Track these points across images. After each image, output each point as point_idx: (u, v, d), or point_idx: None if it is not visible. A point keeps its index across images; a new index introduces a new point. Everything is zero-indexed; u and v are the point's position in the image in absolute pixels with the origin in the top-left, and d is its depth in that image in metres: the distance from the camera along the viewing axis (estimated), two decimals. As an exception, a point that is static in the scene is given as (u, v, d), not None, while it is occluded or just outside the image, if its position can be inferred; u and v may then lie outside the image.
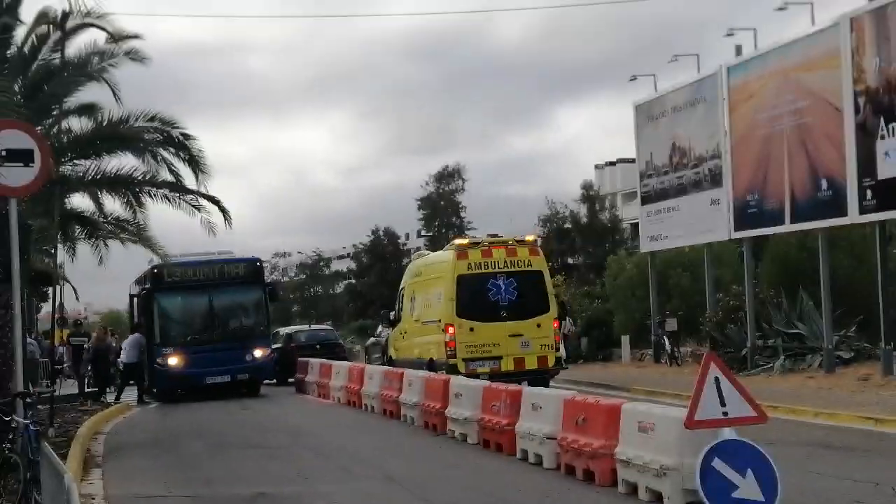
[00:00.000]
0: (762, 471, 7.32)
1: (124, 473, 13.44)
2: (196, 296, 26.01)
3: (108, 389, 27.30)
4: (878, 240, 20.93)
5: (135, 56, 18.20)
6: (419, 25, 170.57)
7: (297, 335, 33.02)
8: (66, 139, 18.03)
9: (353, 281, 79.84)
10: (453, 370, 19.82)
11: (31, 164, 12.05)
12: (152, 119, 18.67)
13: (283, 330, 34.25)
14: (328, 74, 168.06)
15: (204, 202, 20.24)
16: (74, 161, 18.18)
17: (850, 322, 23.46)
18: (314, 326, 38.50)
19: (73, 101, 18.37)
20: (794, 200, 22.46)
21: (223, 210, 20.81)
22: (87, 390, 26.34)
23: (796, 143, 22.28)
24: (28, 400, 11.14)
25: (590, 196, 59.12)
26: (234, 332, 26.44)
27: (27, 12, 17.69)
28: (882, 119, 19.61)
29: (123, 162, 18.79)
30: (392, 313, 25.69)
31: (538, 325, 20.86)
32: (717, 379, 7.49)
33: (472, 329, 20.57)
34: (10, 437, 10.52)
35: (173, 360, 25.31)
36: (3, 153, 11.76)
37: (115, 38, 17.77)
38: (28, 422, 10.41)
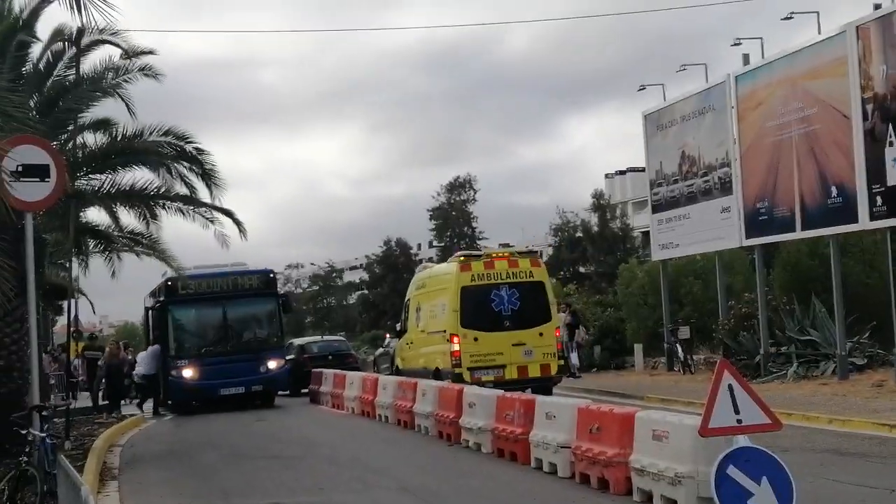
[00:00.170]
0: (777, 478, 7.33)
1: (140, 485, 13.52)
2: (210, 308, 26.13)
3: (122, 402, 27.42)
4: (889, 246, 20.90)
5: (148, 72, 18.32)
6: (430, 38, 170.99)
7: (310, 346, 33.10)
8: (82, 154, 18.15)
9: (366, 291, 79.93)
10: (458, 379, 20.23)
11: (46, 179, 12.19)
12: (166, 133, 18.78)
13: (296, 341, 34.33)
14: (340, 87, 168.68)
15: (218, 215, 20.34)
16: (89, 175, 18.30)
17: (863, 328, 23.41)
18: (326, 337, 38.61)
19: (87, 116, 18.48)
20: (804, 207, 22.46)
21: (237, 222, 20.89)
22: (100, 404, 26.46)
23: (805, 150, 22.29)
24: (44, 413, 11.25)
25: (600, 205, 59.12)
26: (248, 343, 26.55)
27: (43, 29, 17.86)
28: (890, 126, 19.60)
29: (138, 175, 18.91)
30: (398, 324, 26.09)
31: (540, 334, 21.36)
32: (730, 386, 7.51)
33: (476, 339, 21.08)
34: (27, 450, 10.60)
35: (188, 372, 25.42)
36: (20, 168, 11.89)
37: (129, 54, 17.89)
38: (44, 435, 10.51)
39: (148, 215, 19.51)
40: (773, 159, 23.48)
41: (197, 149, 19.35)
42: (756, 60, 24.36)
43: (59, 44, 17.96)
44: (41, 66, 17.94)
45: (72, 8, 12.41)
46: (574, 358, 29.85)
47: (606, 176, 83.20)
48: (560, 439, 12.08)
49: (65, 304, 27.32)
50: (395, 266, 71.32)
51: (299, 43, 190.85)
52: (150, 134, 18.69)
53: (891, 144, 19.60)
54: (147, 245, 20.45)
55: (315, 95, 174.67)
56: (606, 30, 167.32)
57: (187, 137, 19.17)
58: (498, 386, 18.51)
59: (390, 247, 75.55)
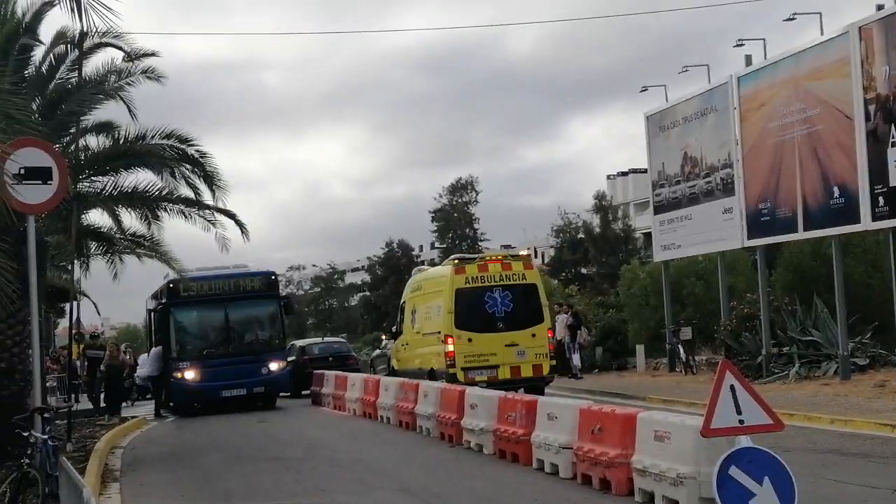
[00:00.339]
0: (779, 478, 7.32)
1: (142, 487, 13.52)
2: (212, 310, 26.15)
3: (124, 405, 27.40)
4: (891, 246, 20.89)
5: (151, 74, 18.35)
6: (432, 40, 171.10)
7: (311, 348, 33.23)
8: (84, 156, 18.17)
9: (368, 293, 79.97)
10: (453, 379, 20.77)
11: (49, 182, 12.18)
12: (168, 136, 18.81)
13: (297, 343, 34.43)
14: (342, 89, 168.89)
15: (220, 217, 20.36)
16: (92, 178, 18.32)
17: (865, 328, 23.40)
18: (327, 339, 38.68)
19: (90, 118, 18.53)
20: (806, 208, 22.46)
21: (239, 224, 20.91)
22: (101, 406, 26.43)
23: (807, 151, 22.29)
24: (46, 415, 11.25)
25: (602, 206, 59.13)
26: (249, 345, 26.56)
27: (45, 32, 17.90)
28: (893, 126, 19.60)
29: (140, 178, 18.94)
30: (394, 326, 26.62)
31: (533, 335, 21.89)
32: (732, 387, 7.50)
33: (470, 340, 21.64)
34: (29, 452, 10.60)
35: (190, 374, 25.43)
36: (22, 171, 11.88)
37: (132, 56, 17.92)
38: (46, 437, 10.51)
39: (150, 217, 19.53)
40: (775, 160, 23.48)
41: (199, 151, 19.39)
42: (759, 61, 24.36)
43: (62, 47, 18.00)
44: (44, 69, 17.98)
45: (73, 12, 12.43)
46: (576, 359, 29.87)
47: (608, 177, 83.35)
48: (562, 440, 12.08)
49: (67, 306, 27.33)
50: (396, 268, 71.35)
51: (301, 45, 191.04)
52: (153, 137, 18.72)
53: (893, 145, 19.61)
54: (149, 247, 20.47)
55: (317, 97, 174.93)
56: (610, 31, 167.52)
57: (189, 140, 19.20)
58: (491, 386, 19.18)
59: (392, 248, 75.61)
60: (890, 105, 19.69)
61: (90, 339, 31.07)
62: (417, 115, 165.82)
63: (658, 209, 29.38)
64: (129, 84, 18.08)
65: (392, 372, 26.20)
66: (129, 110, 17.87)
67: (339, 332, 66.21)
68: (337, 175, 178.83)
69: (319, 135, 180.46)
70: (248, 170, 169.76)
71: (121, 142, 18.69)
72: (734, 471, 7.29)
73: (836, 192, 21.38)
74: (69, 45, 17.82)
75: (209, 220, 20.21)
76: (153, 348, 27.47)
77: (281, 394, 27.83)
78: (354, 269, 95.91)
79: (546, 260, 73.34)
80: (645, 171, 32.73)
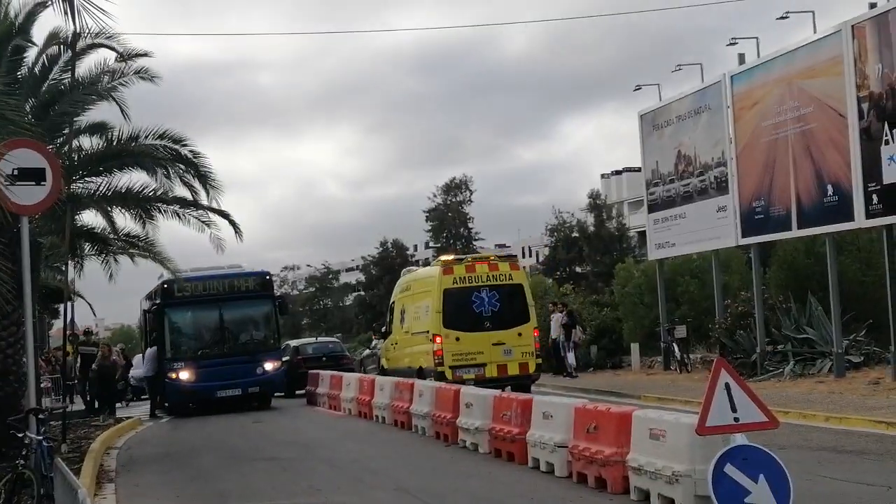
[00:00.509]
0: (774, 476, 7.33)
1: (137, 488, 13.51)
2: (206, 310, 26.12)
3: (118, 405, 27.34)
4: (885, 244, 20.94)
5: (144, 75, 18.29)
6: (425, 40, 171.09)
7: (305, 348, 33.35)
8: (77, 157, 18.12)
9: (363, 293, 79.95)
10: (441, 377, 21.23)
11: (42, 183, 12.16)
12: (162, 136, 18.76)
13: (291, 343, 34.45)
14: (336, 89, 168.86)
15: (214, 218, 20.30)
16: (85, 179, 18.28)
17: (859, 326, 23.44)
18: (321, 339, 38.72)
19: (83, 119, 18.46)
20: (800, 206, 22.50)
21: (233, 224, 20.86)
22: (95, 407, 26.37)
23: (801, 149, 22.32)
24: (41, 416, 11.24)
25: (597, 205, 59.20)
26: (244, 345, 26.53)
27: (38, 34, 17.86)
28: (886, 124, 19.65)
29: (134, 178, 18.89)
30: (383, 327, 27.27)
31: (519, 334, 22.43)
32: (727, 385, 7.51)
33: (457, 339, 22.17)
34: (24, 453, 10.59)
35: (184, 375, 25.40)
36: (16, 172, 11.86)
37: (125, 57, 17.87)
38: (41, 437, 10.50)
39: (144, 217, 19.48)
40: (769, 158, 23.51)
41: (192, 151, 19.34)
42: (752, 60, 24.39)
43: (55, 47, 17.95)
44: (37, 69, 17.93)
45: (66, 14, 12.38)
46: (571, 357, 29.91)
47: (602, 176, 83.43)
48: (557, 439, 12.09)
49: (61, 307, 27.25)
50: (391, 267, 71.34)
51: (295, 45, 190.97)
52: (146, 137, 18.67)
53: (886, 143, 19.65)
54: (143, 248, 20.43)
55: (311, 97, 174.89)
56: (604, 30, 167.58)
57: (183, 140, 19.15)
58: (478, 384, 19.74)
59: (387, 248, 75.63)
60: (883, 103, 19.73)
61: (83, 335, 30.95)
62: (411, 115, 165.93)
63: (652, 208, 29.41)
64: (122, 84, 18.03)
65: (382, 371, 26.56)
66: (122, 111, 17.81)
67: (334, 332, 66.26)
68: (331, 175, 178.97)
69: (313, 135, 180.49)
70: (241, 170, 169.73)
71: (114, 142, 18.64)
72: (729, 468, 7.30)
73: (830, 189, 21.42)
74: (62, 46, 17.78)
75: (203, 221, 20.17)
76: (148, 349, 27.42)
77: (275, 394, 27.81)
78: (349, 269, 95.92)
79: (540, 259, 73.43)
80: (639, 169, 32.74)
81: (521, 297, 22.74)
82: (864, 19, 20.26)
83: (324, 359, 31.38)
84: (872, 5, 20.57)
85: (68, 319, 21.78)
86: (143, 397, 31.43)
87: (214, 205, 20.04)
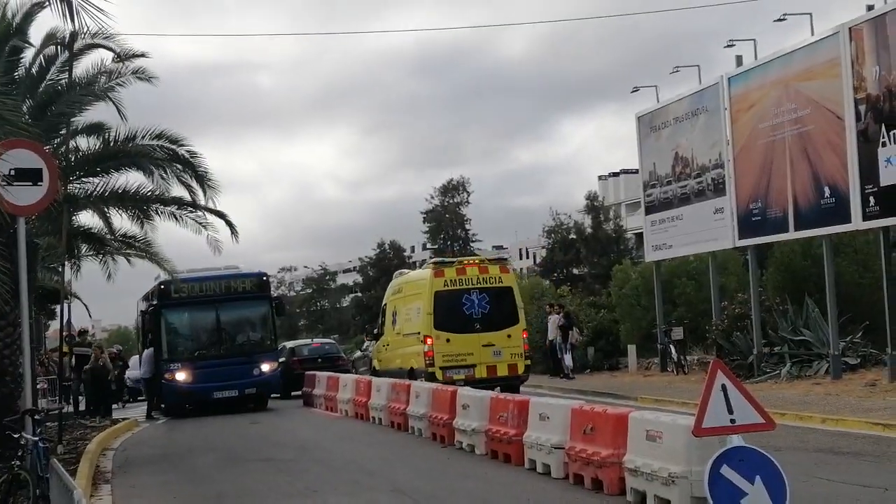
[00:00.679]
0: (771, 477, 7.33)
1: (133, 489, 13.49)
2: (203, 311, 26.09)
3: (115, 406, 27.26)
4: (882, 246, 20.96)
5: (142, 75, 18.29)
6: (424, 41, 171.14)
7: (300, 349, 33.50)
8: (74, 158, 18.12)
9: (360, 294, 79.93)
10: (431, 378, 21.66)
11: (39, 183, 12.14)
12: (159, 137, 18.77)
13: (286, 344, 34.50)
14: (335, 90, 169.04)
15: (211, 218, 20.32)
16: (82, 179, 18.28)
17: (856, 328, 23.47)
18: (316, 340, 38.80)
19: (80, 120, 18.49)
20: (797, 208, 22.51)
21: (230, 224, 20.88)
22: (80, 409, 26.22)
23: (798, 151, 22.34)
24: (37, 417, 11.21)
25: (594, 207, 59.21)
26: (241, 346, 26.50)
27: (36, 34, 17.86)
28: (883, 126, 19.67)
29: (131, 179, 18.90)
30: (375, 328, 27.85)
31: (508, 336, 22.87)
32: (724, 386, 7.51)
33: (448, 340, 22.61)
34: (20, 454, 10.56)
35: (181, 376, 25.36)
36: (12, 172, 11.85)
37: (122, 57, 17.87)
38: (37, 438, 10.48)
39: (142, 218, 19.48)
40: (766, 160, 23.52)
41: (189, 151, 19.35)
42: (749, 62, 24.41)
43: (52, 48, 17.96)
44: (34, 70, 17.94)
45: (64, 16, 12.38)
46: (568, 359, 29.91)
47: (600, 178, 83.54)
48: (554, 440, 12.09)
49: (58, 308, 27.21)
50: (388, 269, 71.21)
51: (293, 46, 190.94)
52: (143, 137, 18.68)
53: (884, 145, 19.66)
54: (140, 248, 20.43)
55: (309, 98, 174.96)
56: (603, 32, 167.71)
57: (180, 140, 19.16)
58: (468, 384, 20.03)
59: (384, 249, 75.64)
60: (880, 105, 19.75)
61: (78, 335, 30.79)
62: (409, 116, 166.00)
63: (649, 209, 29.42)
64: (119, 85, 18.05)
65: (373, 372, 26.81)
66: (119, 111, 17.82)
67: (331, 334, 66.23)
68: (329, 176, 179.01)
69: (311, 136, 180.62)
70: (239, 171, 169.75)
71: (111, 143, 18.64)
72: (726, 470, 7.29)
73: (827, 191, 21.43)
74: (59, 47, 17.79)
75: (200, 223, 20.18)
76: (146, 350, 27.38)
77: (272, 395, 27.79)
78: (346, 271, 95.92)
79: (538, 260, 73.45)
80: (636, 171, 32.79)
81: (511, 300, 23.13)
82: (862, 21, 20.28)
83: (319, 360, 31.47)
84: (870, 7, 20.59)
85: (65, 320, 21.76)
86: (139, 398, 31.38)
87: (211, 205, 20.08)
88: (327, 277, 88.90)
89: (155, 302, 26.32)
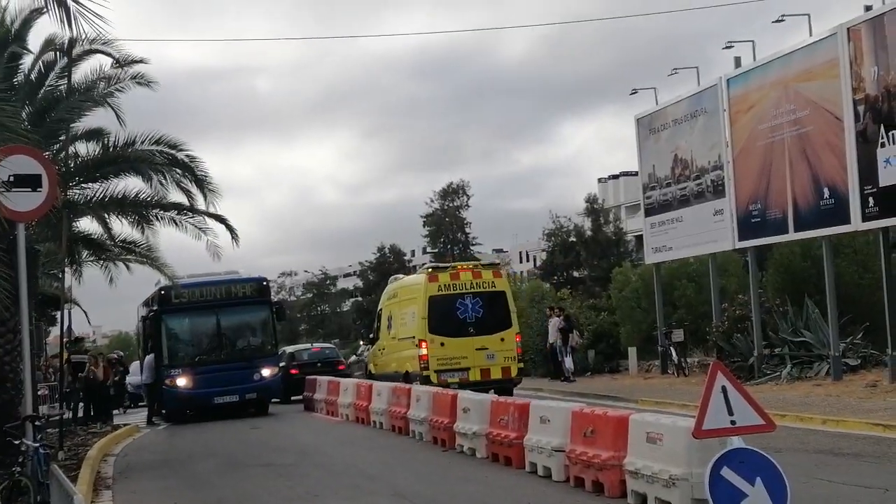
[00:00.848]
0: (771, 479, 7.32)
1: (134, 495, 13.49)
2: (203, 316, 26.10)
3: (115, 412, 27.24)
4: (881, 246, 20.96)
5: (141, 80, 18.31)
6: (423, 44, 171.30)
7: (300, 354, 33.70)
8: (74, 163, 18.13)
9: (360, 298, 79.92)
10: (426, 381, 22.01)
11: (38, 189, 12.16)
12: (158, 142, 18.77)
13: (286, 349, 34.58)
14: (334, 94, 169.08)
15: (210, 222, 20.30)
16: (82, 185, 18.28)
17: (856, 329, 23.46)
18: (315, 345, 38.87)
19: (79, 125, 18.50)
20: (796, 209, 22.51)
21: (230, 228, 20.86)
22: (78, 416, 26.14)
23: (797, 152, 22.34)
24: (37, 423, 11.22)
25: (594, 209, 59.24)
26: (241, 351, 26.50)
27: (34, 40, 17.88)
28: (882, 127, 19.67)
29: (130, 184, 18.90)
30: (371, 333, 28.32)
31: (502, 340, 23.22)
32: (724, 388, 7.50)
33: (442, 344, 22.93)
34: (20, 460, 10.58)
35: (182, 381, 25.36)
36: (12, 178, 11.86)
37: (121, 63, 17.89)
38: (37, 445, 10.49)
39: (142, 223, 19.47)
40: (765, 161, 23.53)
41: (189, 156, 19.35)
42: (748, 63, 24.42)
43: (51, 54, 17.97)
44: (33, 76, 17.95)
45: (62, 22, 12.38)
46: (568, 362, 29.90)
47: (600, 180, 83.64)
48: (554, 443, 12.08)
49: (58, 314, 27.20)
50: (389, 273, 71.25)
51: (293, 50, 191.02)
52: (142, 142, 18.67)
53: (882, 146, 19.66)
54: (140, 254, 20.43)
55: (308, 102, 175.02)
56: (602, 34, 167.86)
57: (179, 145, 19.16)
58: (462, 387, 20.21)
59: (384, 253, 75.65)
60: (879, 105, 19.75)
61: (74, 342, 30.66)
62: (409, 119, 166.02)
63: (649, 212, 29.42)
64: (118, 90, 18.06)
65: (369, 376, 27.09)
66: (118, 116, 17.83)
67: (332, 338, 66.19)
68: (328, 180, 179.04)
69: (311, 140, 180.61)
70: (239, 176, 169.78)
71: (110, 148, 18.64)
72: (726, 472, 7.28)
73: (827, 192, 21.43)
74: (58, 53, 17.79)
75: (200, 228, 20.16)
76: (147, 356, 27.36)
77: (272, 400, 27.79)
78: (346, 275, 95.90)
79: (538, 263, 73.44)
80: (636, 173, 32.77)
81: (504, 304, 23.45)
82: (860, 22, 20.29)
83: (319, 364, 31.54)
84: (868, 8, 20.59)
85: (65, 327, 21.76)
86: (140, 404, 31.36)
87: (211, 209, 20.06)
88: (327, 282, 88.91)
89: (155, 307, 26.31)
